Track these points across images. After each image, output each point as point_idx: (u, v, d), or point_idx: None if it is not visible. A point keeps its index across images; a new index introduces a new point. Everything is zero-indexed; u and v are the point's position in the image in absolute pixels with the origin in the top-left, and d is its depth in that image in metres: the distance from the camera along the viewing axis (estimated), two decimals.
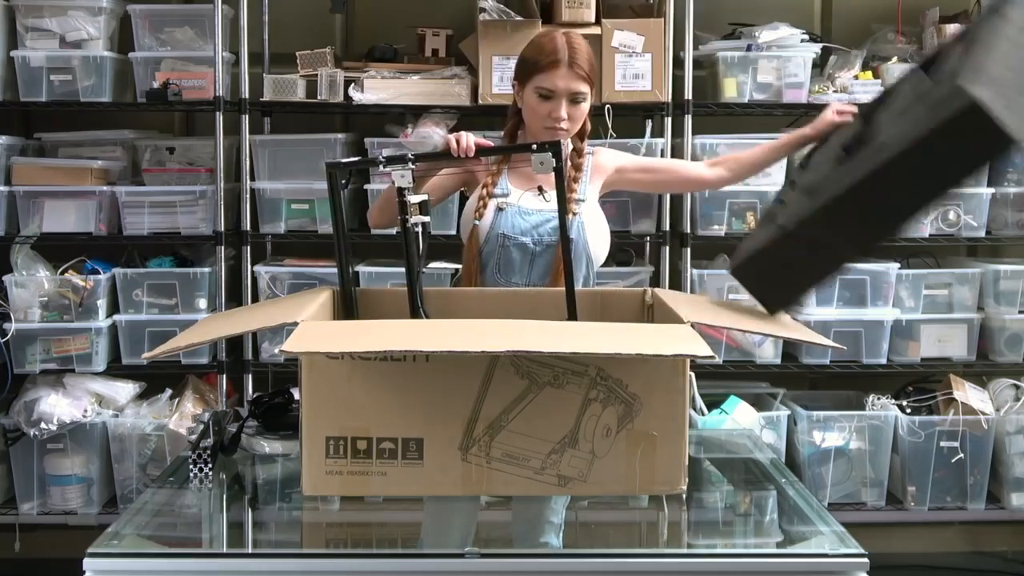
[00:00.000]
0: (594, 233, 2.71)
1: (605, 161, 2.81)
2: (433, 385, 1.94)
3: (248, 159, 3.84)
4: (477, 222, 2.69)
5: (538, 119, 2.66)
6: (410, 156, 2.33)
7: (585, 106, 2.67)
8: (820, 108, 3.86)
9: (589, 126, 2.78)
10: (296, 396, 2.54)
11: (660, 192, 3.69)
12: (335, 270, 3.81)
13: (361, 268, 3.85)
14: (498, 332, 1.92)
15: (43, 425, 3.70)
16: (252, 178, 3.85)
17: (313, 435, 1.95)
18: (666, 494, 2.04)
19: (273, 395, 2.54)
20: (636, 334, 1.98)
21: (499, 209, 2.68)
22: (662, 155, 3.80)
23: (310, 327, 1.94)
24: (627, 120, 3.89)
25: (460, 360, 1.92)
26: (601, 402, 1.95)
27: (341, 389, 1.93)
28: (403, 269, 3.91)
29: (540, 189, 2.68)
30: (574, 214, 2.67)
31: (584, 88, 2.64)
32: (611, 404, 1.96)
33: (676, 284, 3.81)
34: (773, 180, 3.83)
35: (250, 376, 3.87)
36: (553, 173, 2.44)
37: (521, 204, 2.69)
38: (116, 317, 3.81)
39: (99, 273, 3.78)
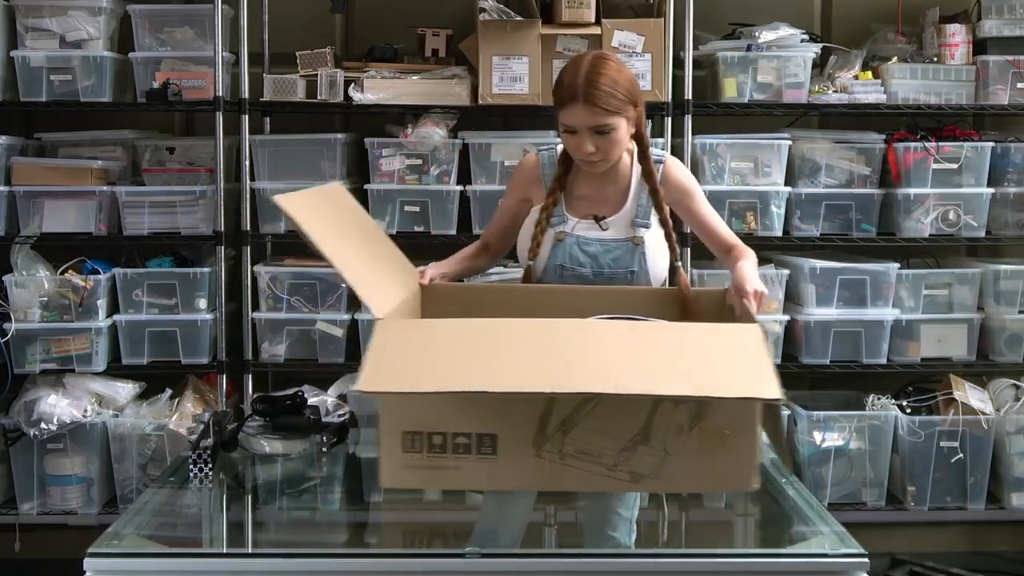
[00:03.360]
0: (656, 260, 2.67)
1: (674, 180, 2.71)
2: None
3: (248, 159, 3.84)
4: (531, 263, 2.65)
5: (571, 151, 2.60)
6: None
7: (618, 134, 2.54)
8: (820, 108, 3.91)
9: (648, 139, 2.67)
10: (308, 398, 2.55)
11: None
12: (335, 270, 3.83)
13: None
14: (569, 356, 1.91)
15: (43, 425, 3.70)
16: (252, 178, 3.85)
17: (390, 430, 1.94)
18: (739, 492, 2.03)
19: (286, 398, 2.53)
20: (706, 357, 1.96)
21: (558, 240, 2.64)
22: None
23: (384, 356, 1.89)
24: None
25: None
26: (673, 400, 1.95)
27: None
28: None
29: (597, 218, 2.65)
30: (636, 244, 2.64)
31: (607, 121, 2.50)
32: (683, 402, 1.95)
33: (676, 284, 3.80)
34: (772, 180, 3.84)
35: (250, 376, 3.87)
36: (613, 200, 2.54)
37: (579, 234, 2.65)
38: (116, 317, 3.81)
39: (99, 273, 3.77)
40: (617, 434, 1.96)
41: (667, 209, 2.68)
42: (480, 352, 1.95)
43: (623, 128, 2.55)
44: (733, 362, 1.95)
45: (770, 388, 1.84)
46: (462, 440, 1.95)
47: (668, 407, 1.95)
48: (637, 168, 2.68)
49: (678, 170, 2.74)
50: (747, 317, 2.31)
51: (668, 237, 2.66)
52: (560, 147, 2.70)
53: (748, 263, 2.56)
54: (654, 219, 2.68)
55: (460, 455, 1.95)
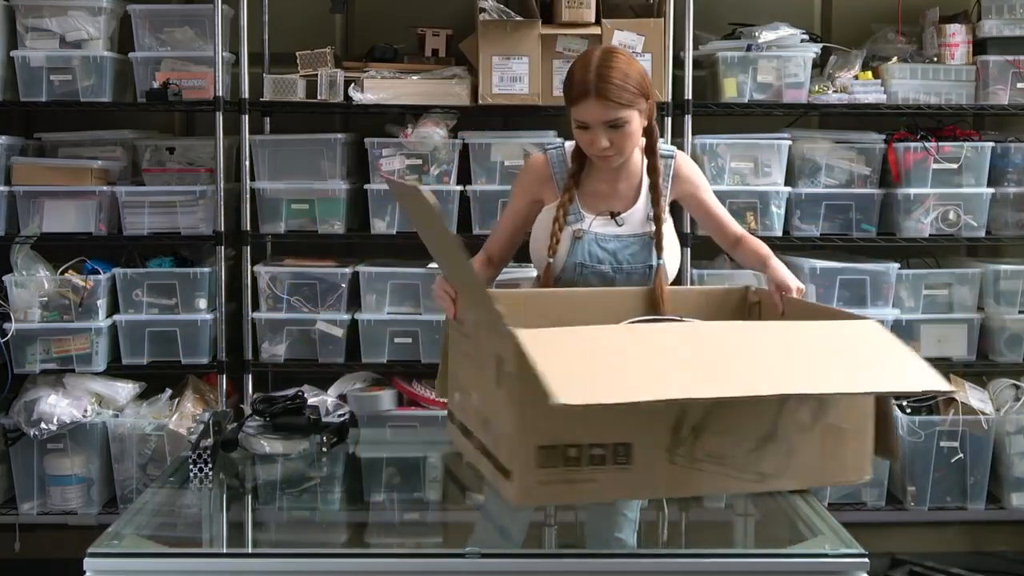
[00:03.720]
0: (670, 254, 2.69)
1: (685, 175, 2.74)
2: None
3: (248, 159, 3.84)
4: (551, 260, 2.64)
5: (584, 146, 2.59)
6: None
7: (631, 127, 2.54)
8: (820, 108, 3.90)
9: (657, 133, 2.67)
10: (308, 398, 2.55)
11: None
12: (335, 270, 3.84)
13: (361, 268, 3.84)
14: (719, 358, 1.90)
15: (43, 425, 3.70)
16: (252, 178, 3.85)
17: (524, 445, 1.88)
18: (855, 483, 2.09)
19: (286, 398, 2.53)
20: (857, 353, 1.98)
21: (576, 238, 2.64)
22: None
23: (560, 368, 1.80)
24: None
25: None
26: (798, 399, 1.95)
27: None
28: (403, 269, 3.93)
29: (612, 214, 2.66)
30: (652, 238, 2.66)
31: (620, 114, 2.51)
32: (807, 401, 1.96)
33: (677, 284, 3.80)
34: (772, 180, 3.84)
35: (250, 376, 3.87)
36: (626, 195, 2.57)
37: (596, 231, 2.65)
38: (116, 317, 3.81)
39: (99, 273, 3.77)
40: (747, 435, 1.96)
41: (665, 207, 2.70)
42: (633, 359, 1.91)
43: (636, 121, 2.55)
44: (884, 356, 1.96)
45: (938, 381, 1.87)
46: (598, 451, 1.90)
47: (793, 406, 1.96)
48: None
49: (688, 164, 2.78)
50: (805, 312, 2.34)
51: (658, 235, 2.66)
52: (568, 144, 2.71)
53: (776, 259, 2.60)
54: (667, 212, 2.70)
55: (596, 466, 1.90)
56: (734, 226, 2.78)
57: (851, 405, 1.99)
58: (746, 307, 2.53)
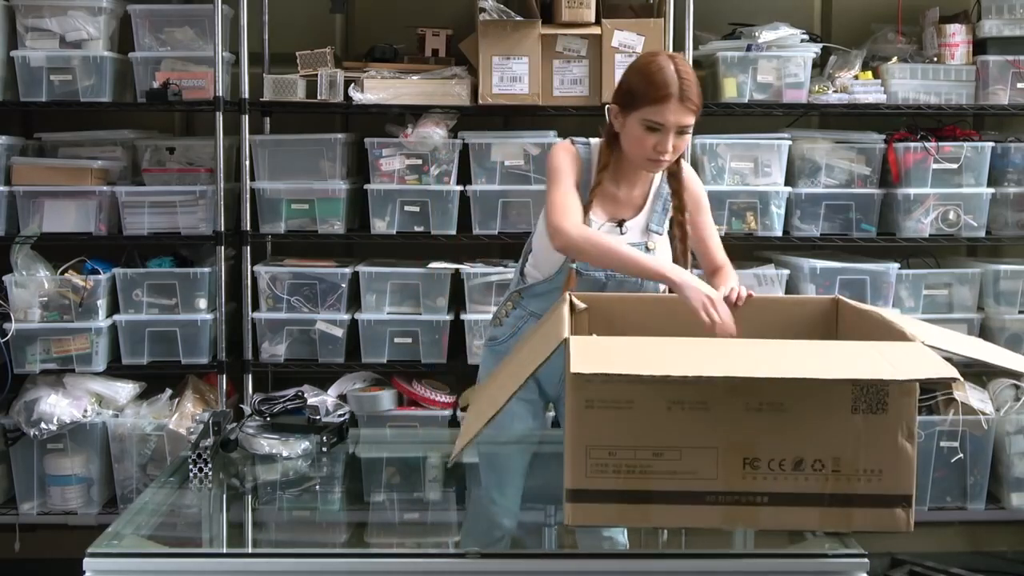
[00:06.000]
0: None
1: (694, 188, 2.72)
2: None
3: (248, 159, 3.84)
4: (574, 265, 2.59)
5: (642, 150, 2.54)
6: None
7: (689, 136, 2.57)
8: (820, 108, 3.91)
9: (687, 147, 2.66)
10: (308, 398, 2.55)
11: None
12: (335, 270, 3.84)
13: (361, 268, 3.84)
14: None
15: (43, 425, 3.70)
16: (252, 178, 3.85)
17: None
18: None
19: (286, 398, 2.53)
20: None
21: None
22: None
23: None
24: None
25: None
26: None
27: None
28: (403, 269, 3.93)
29: (620, 223, 2.64)
30: (650, 249, 2.64)
31: (692, 120, 2.53)
32: None
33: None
34: (772, 180, 3.84)
35: (250, 376, 3.87)
36: (635, 203, 2.57)
37: None
38: (116, 317, 3.81)
39: (99, 273, 3.77)
40: None
41: (665, 221, 2.68)
42: None
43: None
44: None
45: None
46: None
47: None
48: (658, 174, 2.67)
49: (697, 182, 2.75)
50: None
51: (683, 239, 2.64)
52: (595, 142, 2.68)
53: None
54: (664, 227, 2.68)
55: None
56: (721, 255, 2.73)
57: None
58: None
